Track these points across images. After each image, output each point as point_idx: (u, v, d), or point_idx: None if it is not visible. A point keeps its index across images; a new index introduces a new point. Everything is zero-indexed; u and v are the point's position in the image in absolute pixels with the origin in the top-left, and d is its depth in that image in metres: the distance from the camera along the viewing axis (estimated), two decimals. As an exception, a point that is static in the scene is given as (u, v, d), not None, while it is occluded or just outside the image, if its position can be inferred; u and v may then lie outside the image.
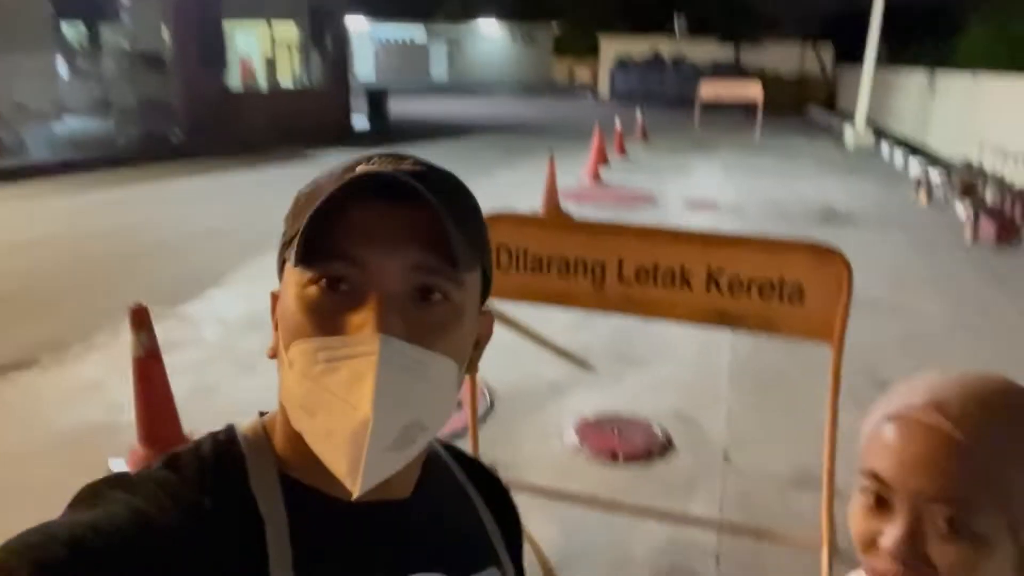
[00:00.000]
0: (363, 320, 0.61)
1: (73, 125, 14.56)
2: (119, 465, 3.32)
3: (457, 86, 39.70)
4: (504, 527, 0.84)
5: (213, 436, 0.70)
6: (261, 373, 4.46)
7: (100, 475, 0.65)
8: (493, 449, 3.58)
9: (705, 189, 11.21)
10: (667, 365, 4.87)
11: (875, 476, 0.70)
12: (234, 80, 17.06)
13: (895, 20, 18.11)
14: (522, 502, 0.90)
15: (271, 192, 10.45)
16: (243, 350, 4.85)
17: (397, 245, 0.63)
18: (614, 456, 3.71)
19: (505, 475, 0.83)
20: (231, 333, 5.17)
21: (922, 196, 10.54)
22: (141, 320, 3.32)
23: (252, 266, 6.70)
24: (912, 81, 18.73)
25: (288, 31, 19.05)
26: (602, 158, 12.35)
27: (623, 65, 30.08)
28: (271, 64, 18.28)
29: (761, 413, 4.19)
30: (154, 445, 3.33)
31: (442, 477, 0.82)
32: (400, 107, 22.00)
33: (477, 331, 0.72)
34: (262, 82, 18.09)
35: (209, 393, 4.21)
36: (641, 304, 2.88)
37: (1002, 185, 9.44)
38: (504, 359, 4.58)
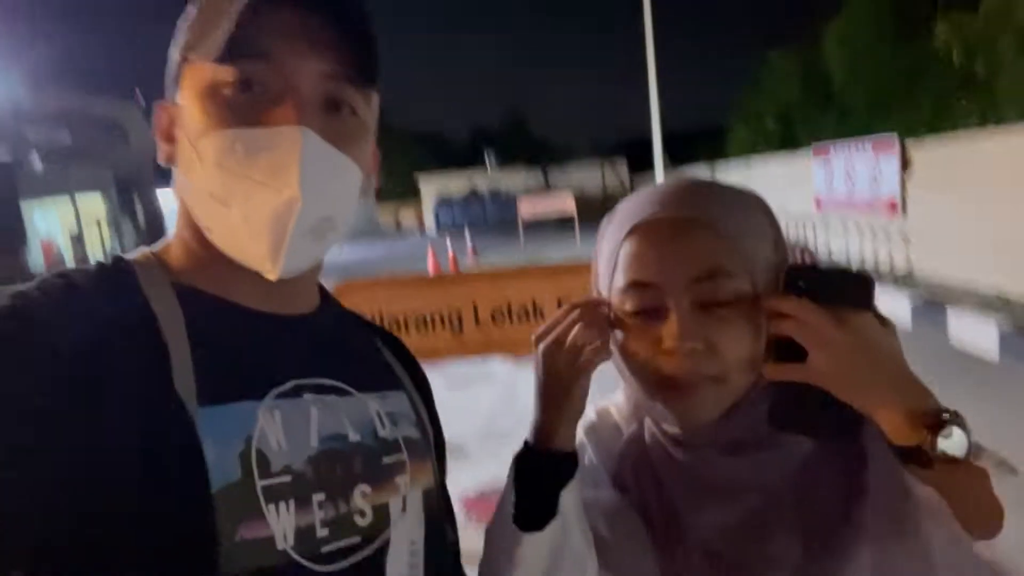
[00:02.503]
0: (281, 116, 0.63)
1: None
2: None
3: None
4: (408, 369, 0.85)
5: (98, 261, 0.69)
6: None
7: None
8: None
9: (541, 291, 11.73)
10: (538, 436, 4.92)
11: (637, 284, 0.75)
12: (37, 265, 15.91)
13: (674, 138, 20.90)
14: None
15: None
16: None
17: (315, 50, 0.66)
18: (503, 523, 3.65)
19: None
20: None
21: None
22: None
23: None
24: (698, 175, 21.37)
25: (95, 204, 18.29)
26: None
27: (444, 202, 31.66)
28: (78, 241, 17.24)
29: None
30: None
31: (344, 311, 0.84)
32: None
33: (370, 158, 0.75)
34: (70, 263, 16.99)
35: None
36: (501, 344, 2.97)
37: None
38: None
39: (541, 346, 0.77)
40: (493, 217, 29.70)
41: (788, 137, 18.06)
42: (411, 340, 2.93)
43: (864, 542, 0.72)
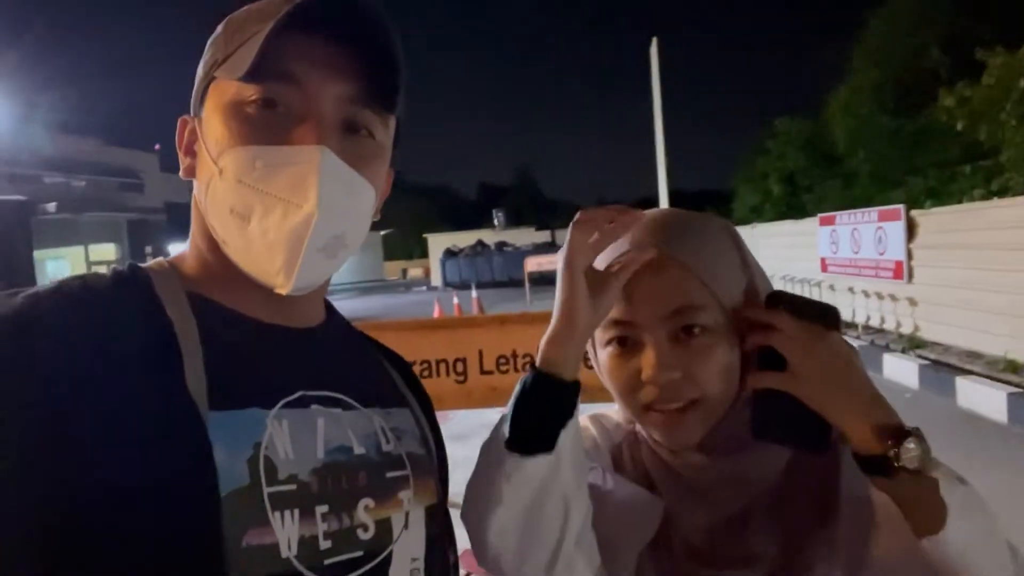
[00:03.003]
0: (302, 135, 0.65)
1: None
2: None
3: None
4: (411, 388, 0.86)
5: (113, 267, 0.70)
6: None
7: None
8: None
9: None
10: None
11: (616, 322, 0.79)
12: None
13: (680, 199, 21.22)
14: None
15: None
16: None
17: (337, 75, 0.68)
18: (503, 578, 3.56)
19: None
20: None
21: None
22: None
23: None
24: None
25: (106, 251, 18.50)
26: (445, 332, 12.66)
27: (451, 253, 31.39)
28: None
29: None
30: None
31: (349, 327, 0.85)
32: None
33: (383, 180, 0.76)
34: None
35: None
36: (505, 393, 2.93)
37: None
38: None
39: (578, 219, 0.77)
40: (500, 273, 29.60)
41: (793, 201, 18.27)
42: (415, 385, 2.93)
43: (836, 545, 0.76)
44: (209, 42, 0.73)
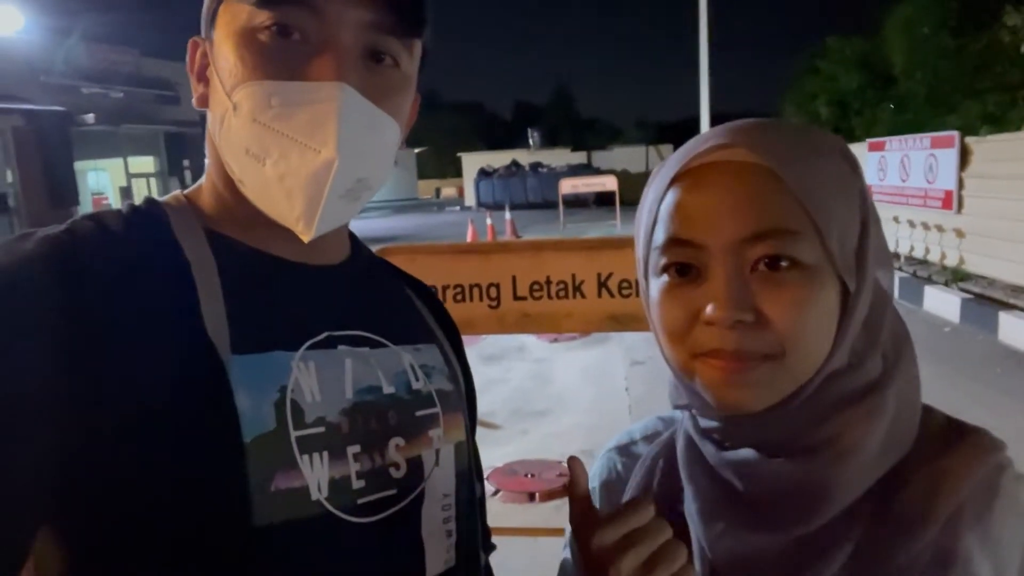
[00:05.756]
0: (320, 70, 0.60)
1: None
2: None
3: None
4: (439, 320, 0.84)
5: (128, 203, 0.68)
6: None
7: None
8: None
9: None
10: (569, 414, 4.93)
11: (678, 242, 0.62)
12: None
13: (724, 117, 20.54)
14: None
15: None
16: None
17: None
18: (531, 497, 3.66)
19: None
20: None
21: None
22: None
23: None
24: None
25: (145, 164, 18.70)
26: (478, 253, 12.71)
27: (485, 174, 31.09)
28: (126, 192, 17.75)
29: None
30: None
31: (375, 260, 0.82)
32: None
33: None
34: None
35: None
36: (538, 319, 2.94)
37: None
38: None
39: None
40: (534, 194, 29.32)
41: (842, 125, 17.61)
42: (448, 309, 2.92)
43: None
44: None
